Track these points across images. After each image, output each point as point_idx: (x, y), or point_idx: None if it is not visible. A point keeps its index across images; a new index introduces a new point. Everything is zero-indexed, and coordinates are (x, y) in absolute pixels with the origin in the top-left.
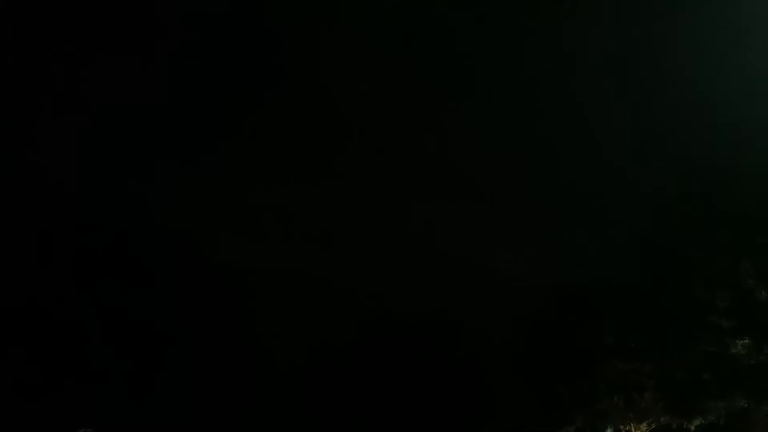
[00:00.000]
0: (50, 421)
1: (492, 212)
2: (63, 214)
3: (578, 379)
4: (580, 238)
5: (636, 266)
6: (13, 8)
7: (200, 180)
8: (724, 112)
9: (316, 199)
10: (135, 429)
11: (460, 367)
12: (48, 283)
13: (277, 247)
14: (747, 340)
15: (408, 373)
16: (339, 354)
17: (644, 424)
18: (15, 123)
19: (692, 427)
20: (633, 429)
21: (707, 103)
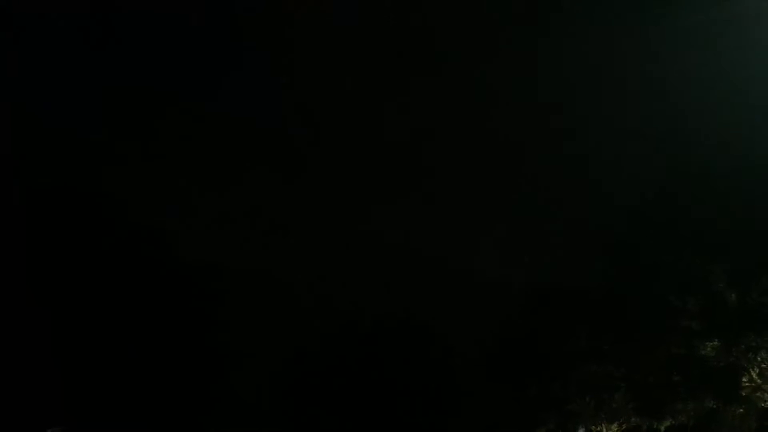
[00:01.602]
0: (20, 421)
1: (465, 214)
2: (27, 212)
3: (550, 381)
4: (552, 241)
5: (607, 269)
6: None
7: (170, 178)
8: (695, 113)
9: (289, 198)
10: (105, 429)
11: (433, 369)
12: (14, 283)
13: (249, 247)
14: (716, 342)
15: (380, 375)
16: (311, 356)
17: (615, 425)
18: None
19: (662, 428)
20: (604, 429)
21: (679, 104)
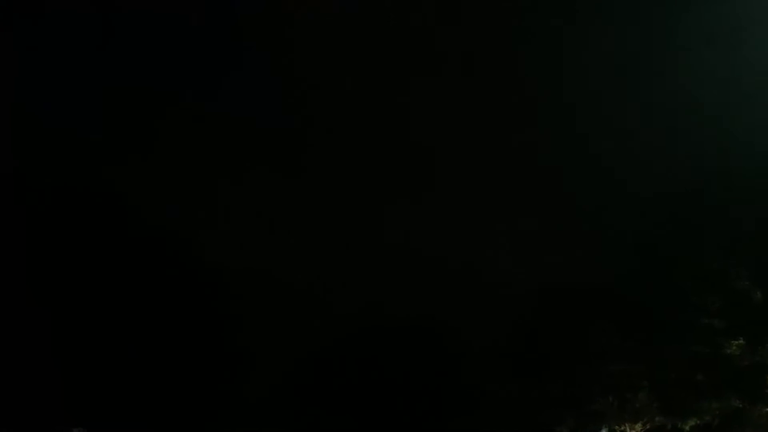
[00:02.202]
0: (43, 421)
1: (483, 213)
2: (42, 212)
3: (572, 380)
4: (572, 239)
5: (629, 267)
6: None
7: (179, 178)
8: (716, 111)
9: (301, 199)
10: (125, 429)
11: (453, 368)
12: (30, 283)
13: (261, 248)
14: (741, 341)
15: (395, 375)
16: (323, 356)
17: (639, 425)
18: None
19: (686, 428)
20: (628, 429)
21: (699, 102)
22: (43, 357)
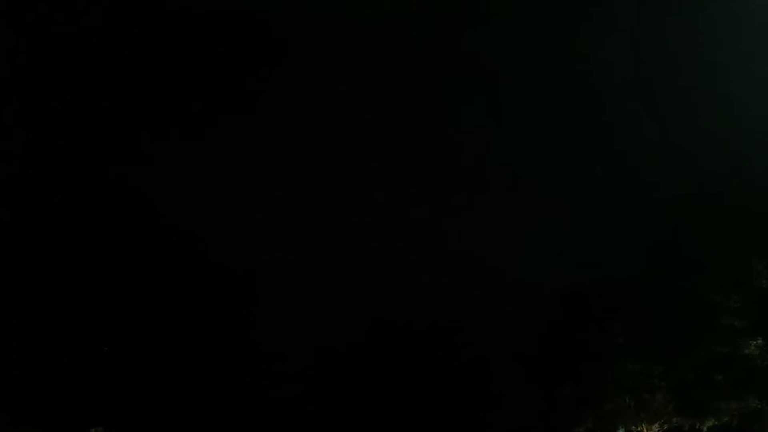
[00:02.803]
0: (62, 420)
1: (503, 213)
2: (62, 212)
3: (589, 380)
4: (591, 239)
5: (647, 267)
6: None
7: (206, 178)
8: (735, 111)
9: (325, 197)
10: (143, 428)
11: (470, 368)
12: (51, 282)
13: (285, 246)
14: (759, 341)
15: (417, 373)
16: (346, 354)
17: (656, 425)
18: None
19: (704, 428)
20: (645, 430)
21: (718, 102)
22: (63, 356)
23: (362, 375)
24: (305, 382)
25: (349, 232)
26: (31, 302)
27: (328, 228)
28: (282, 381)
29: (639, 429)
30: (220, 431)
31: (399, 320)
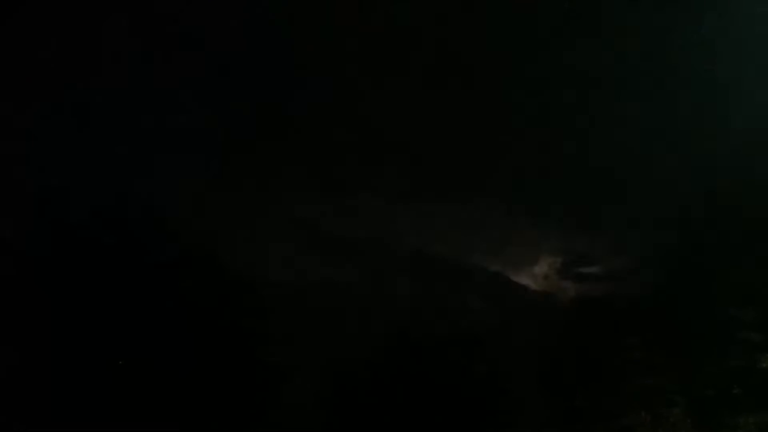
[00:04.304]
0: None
1: (515, 225)
2: (67, 218)
3: (604, 395)
4: (604, 251)
5: (661, 279)
6: None
7: (215, 189)
8: (752, 119)
9: (333, 209)
10: None
11: (482, 381)
12: (55, 290)
13: (294, 259)
14: None
15: (426, 388)
16: (356, 370)
17: None
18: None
19: None
20: None
21: (734, 110)
22: (71, 368)
23: (371, 391)
24: (314, 398)
25: (355, 246)
26: (38, 313)
27: (334, 241)
28: (291, 397)
29: None
30: None
31: (408, 334)
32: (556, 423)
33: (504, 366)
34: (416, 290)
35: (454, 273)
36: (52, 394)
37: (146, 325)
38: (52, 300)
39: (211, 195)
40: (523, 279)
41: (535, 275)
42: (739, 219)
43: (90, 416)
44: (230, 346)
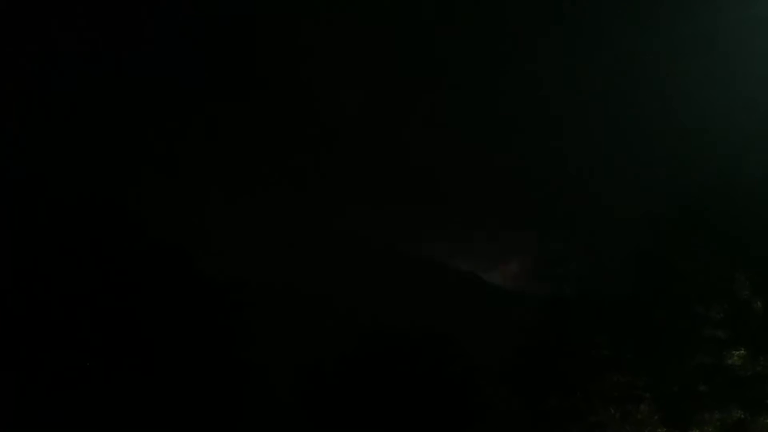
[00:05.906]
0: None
1: (485, 226)
2: (50, 223)
3: (573, 392)
4: (574, 251)
5: (630, 278)
6: None
7: (191, 192)
8: (717, 121)
9: (306, 211)
10: None
11: (454, 381)
12: (43, 295)
13: (269, 261)
14: (743, 351)
15: (400, 387)
16: (331, 369)
17: None
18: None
19: None
20: None
21: (700, 112)
22: (55, 368)
23: (345, 391)
24: (289, 398)
25: (331, 247)
26: (16, 315)
27: (309, 242)
28: (266, 397)
29: None
30: None
31: (381, 335)
32: (527, 420)
33: (476, 365)
34: (387, 290)
35: (425, 272)
36: (21, 394)
37: (125, 322)
38: (25, 298)
39: (190, 195)
40: (495, 279)
41: (506, 275)
42: (705, 220)
43: (64, 413)
44: (206, 345)
